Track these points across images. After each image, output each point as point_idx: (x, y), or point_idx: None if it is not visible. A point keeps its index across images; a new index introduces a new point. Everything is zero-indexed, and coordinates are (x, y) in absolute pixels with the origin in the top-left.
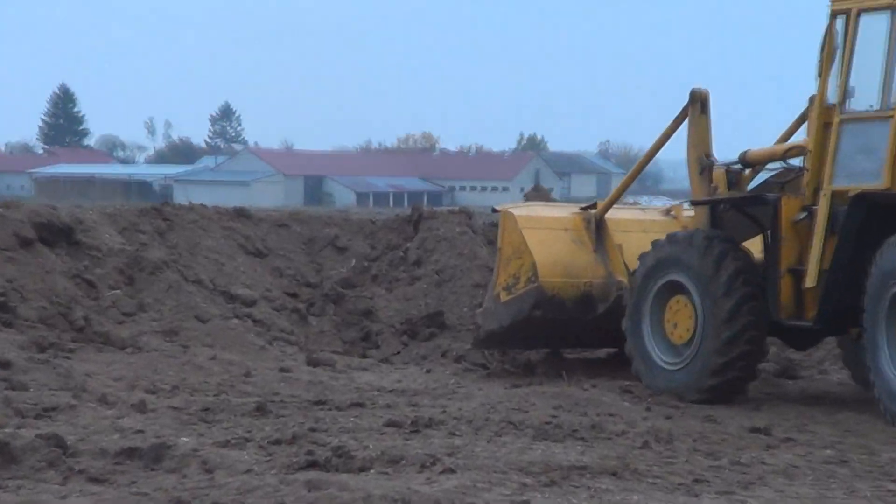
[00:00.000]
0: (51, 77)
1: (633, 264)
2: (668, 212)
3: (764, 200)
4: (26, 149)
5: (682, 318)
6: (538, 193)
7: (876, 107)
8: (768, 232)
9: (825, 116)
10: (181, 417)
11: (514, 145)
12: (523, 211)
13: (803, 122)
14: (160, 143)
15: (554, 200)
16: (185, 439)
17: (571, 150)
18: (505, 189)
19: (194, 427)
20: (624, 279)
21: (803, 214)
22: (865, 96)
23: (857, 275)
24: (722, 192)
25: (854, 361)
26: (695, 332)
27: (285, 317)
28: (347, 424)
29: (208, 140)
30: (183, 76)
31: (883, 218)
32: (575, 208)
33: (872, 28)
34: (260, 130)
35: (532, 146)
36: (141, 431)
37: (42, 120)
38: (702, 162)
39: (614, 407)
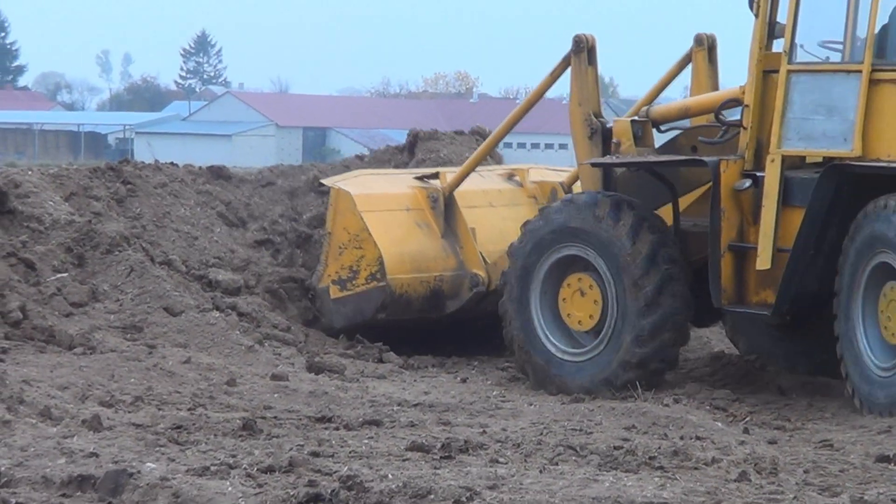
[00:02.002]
0: None
1: (487, 250)
2: (510, 176)
3: (700, 163)
4: None
5: (583, 300)
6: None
7: (837, 57)
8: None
9: (765, 63)
10: (146, 437)
11: None
12: (359, 188)
13: (685, 65)
14: (117, 83)
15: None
16: (152, 465)
17: None
18: (563, 146)
19: (163, 450)
20: (480, 272)
21: (748, 183)
22: (817, 43)
23: (822, 254)
24: (627, 148)
25: (742, 336)
26: (603, 318)
27: (280, 309)
28: (360, 448)
29: (179, 80)
30: None
31: (853, 189)
32: (410, 178)
33: None
34: (246, 68)
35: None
36: (94, 455)
37: None
38: (590, 123)
39: (703, 428)
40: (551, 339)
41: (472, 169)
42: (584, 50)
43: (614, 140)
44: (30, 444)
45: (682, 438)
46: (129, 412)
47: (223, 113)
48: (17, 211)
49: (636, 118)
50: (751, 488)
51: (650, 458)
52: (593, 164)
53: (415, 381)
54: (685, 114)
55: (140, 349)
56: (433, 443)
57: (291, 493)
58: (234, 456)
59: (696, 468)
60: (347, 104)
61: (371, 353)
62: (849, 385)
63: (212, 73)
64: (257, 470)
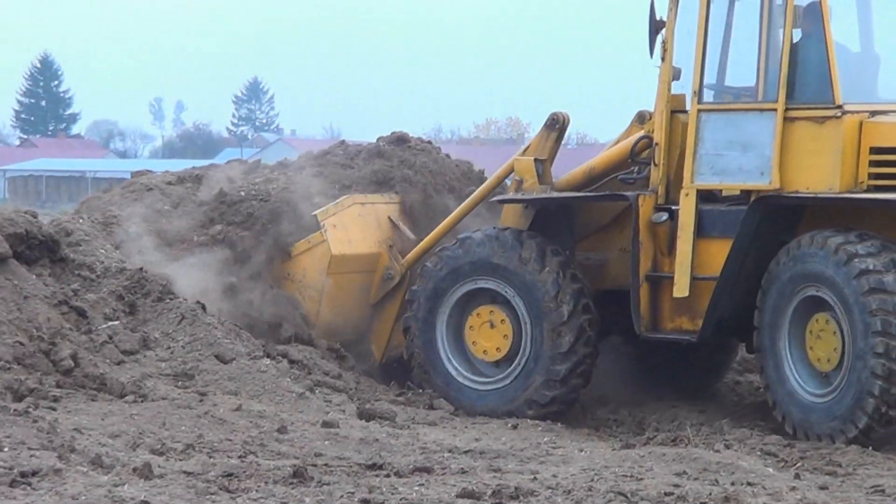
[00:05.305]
0: (28, 46)
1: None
2: None
3: (621, 198)
4: None
5: (492, 332)
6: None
7: (743, 97)
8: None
9: (674, 104)
10: (197, 485)
11: None
12: (340, 242)
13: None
14: (170, 131)
15: None
16: None
17: None
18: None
19: (214, 497)
20: (377, 354)
21: (665, 216)
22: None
23: (742, 282)
24: (530, 185)
25: None
26: (513, 353)
27: (330, 357)
28: (411, 495)
29: (231, 128)
30: (199, 45)
31: (772, 221)
32: (390, 222)
33: (738, 8)
34: (298, 115)
35: None
36: (146, 503)
37: (17, 101)
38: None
39: (754, 473)
40: (453, 362)
41: (433, 244)
42: (556, 129)
43: (516, 178)
44: (81, 492)
45: (732, 484)
46: (180, 460)
47: (276, 159)
48: (68, 259)
49: (537, 157)
50: None
51: (701, 503)
52: (500, 202)
53: (465, 427)
54: (589, 175)
55: (191, 397)
56: (484, 490)
57: None
58: (285, 503)
59: None
60: None
61: (422, 400)
62: (778, 412)
63: (264, 120)
64: None
